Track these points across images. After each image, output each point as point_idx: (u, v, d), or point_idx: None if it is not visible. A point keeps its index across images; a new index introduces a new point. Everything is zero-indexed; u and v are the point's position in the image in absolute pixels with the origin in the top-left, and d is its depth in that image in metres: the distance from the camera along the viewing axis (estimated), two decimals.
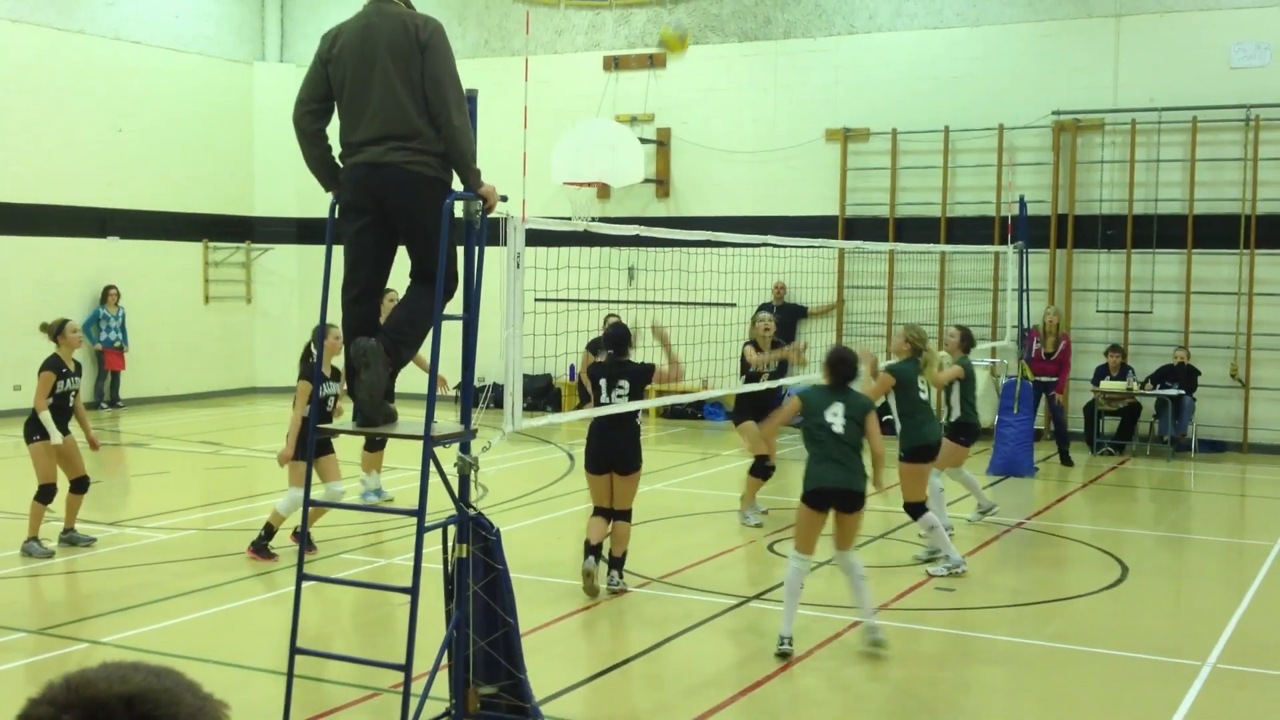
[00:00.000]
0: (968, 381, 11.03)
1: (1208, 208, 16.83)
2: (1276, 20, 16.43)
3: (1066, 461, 15.35)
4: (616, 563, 9.14)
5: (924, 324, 17.92)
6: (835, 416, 7.83)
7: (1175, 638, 8.24)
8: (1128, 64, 17.19)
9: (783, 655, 7.65)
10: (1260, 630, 8.55)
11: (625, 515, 9.14)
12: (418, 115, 5.71)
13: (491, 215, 5.85)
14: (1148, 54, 17.06)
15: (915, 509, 9.86)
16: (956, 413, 10.95)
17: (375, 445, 11.71)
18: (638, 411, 9.17)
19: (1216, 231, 16.80)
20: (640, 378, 9.10)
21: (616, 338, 9.23)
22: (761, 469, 11.50)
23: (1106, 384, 16.44)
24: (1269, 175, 16.51)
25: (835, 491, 7.79)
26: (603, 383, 9.05)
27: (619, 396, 8.98)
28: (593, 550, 9.03)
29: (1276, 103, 16.30)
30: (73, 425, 10.24)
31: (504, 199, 5.90)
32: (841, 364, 8.05)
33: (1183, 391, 16.11)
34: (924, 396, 10.01)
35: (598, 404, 9.04)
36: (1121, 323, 17.26)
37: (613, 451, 9.02)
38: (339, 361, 8.78)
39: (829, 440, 7.82)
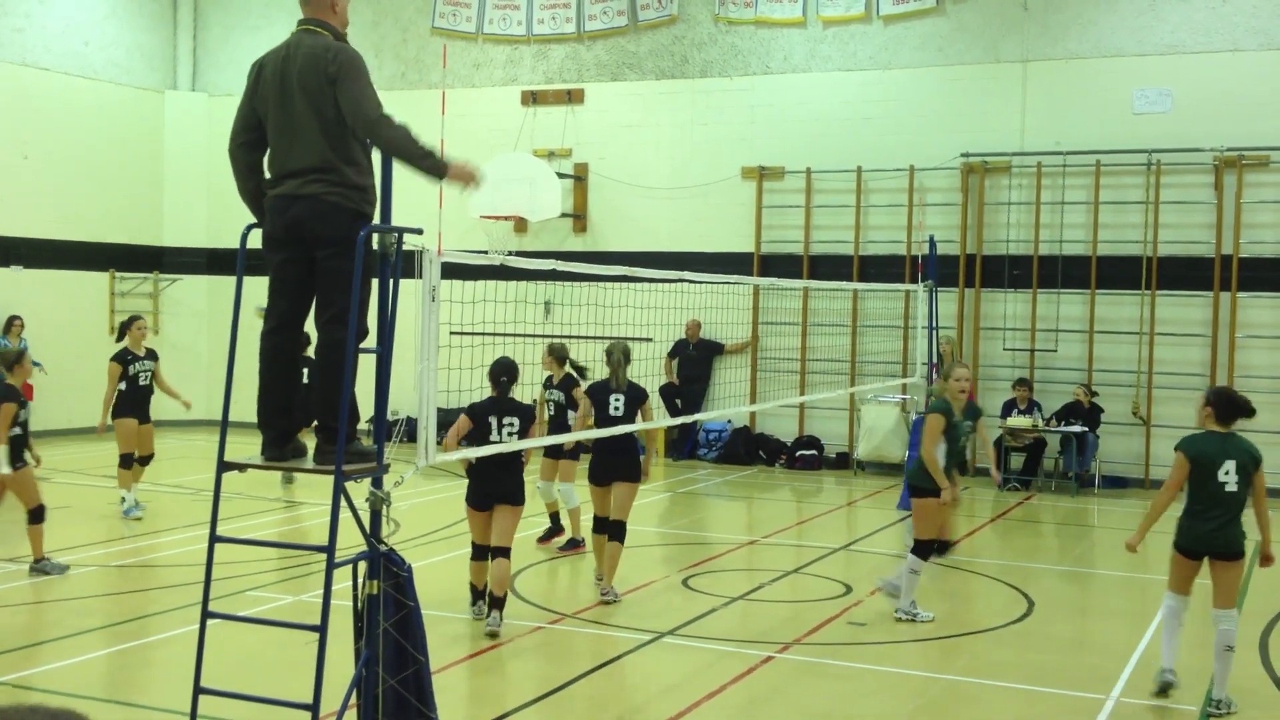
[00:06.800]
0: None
1: (1111, 249, 17.26)
2: (1178, 67, 16.96)
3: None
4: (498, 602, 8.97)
5: (837, 360, 18.32)
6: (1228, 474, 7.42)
7: (1080, 672, 8.37)
8: (1034, 108, 17.62)
9: (1164, 686, 7.67)
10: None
11: (505, 552, 9.01)
12: (332, 151, 5.68)
13: (406, 248, 5.80)
14: (1053, 99, 17.50)
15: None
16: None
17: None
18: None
19: (1119, 273, 17.23)
20: (528, 417, 9.07)
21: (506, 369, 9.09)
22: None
23: (1013, 420, 16.73)
24: (1169, 218, 16.98)
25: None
26: (492, 420, 8.96)
27: (509, 435, 8.94)
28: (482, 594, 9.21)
29: (1177, 148, 16.80)
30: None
31: (419, 232, 5.86)
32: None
33: (1086, 429, 16.45)
34: None
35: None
36: (1028, 360, 17.60)
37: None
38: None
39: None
